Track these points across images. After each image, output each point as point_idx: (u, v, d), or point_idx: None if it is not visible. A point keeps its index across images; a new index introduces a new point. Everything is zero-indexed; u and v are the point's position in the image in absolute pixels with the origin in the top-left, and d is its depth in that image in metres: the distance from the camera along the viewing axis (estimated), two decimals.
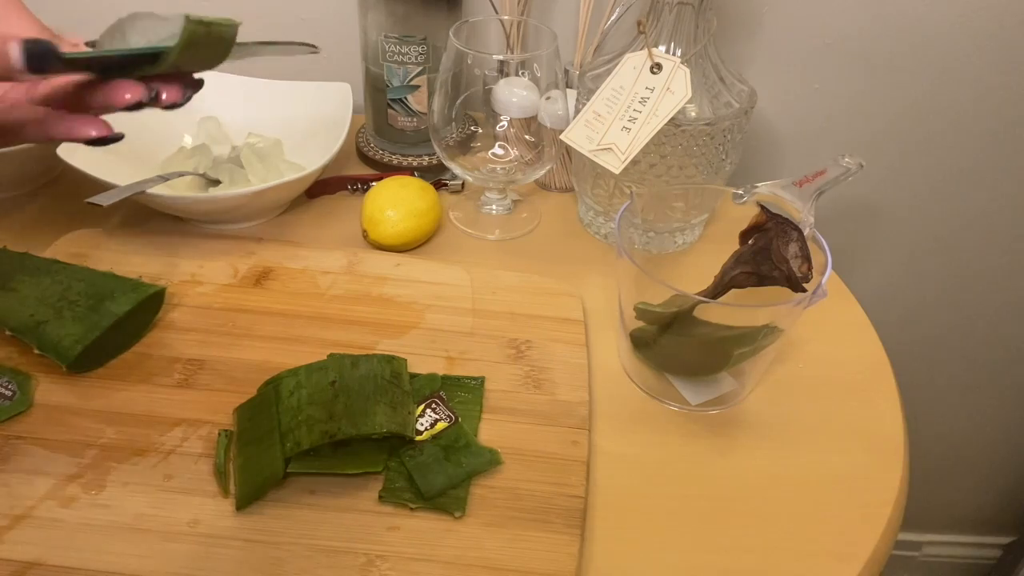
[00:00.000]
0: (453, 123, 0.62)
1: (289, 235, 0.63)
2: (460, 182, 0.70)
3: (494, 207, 0.68)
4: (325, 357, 0.50)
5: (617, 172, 0.55)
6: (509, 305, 0.56)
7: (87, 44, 0.40)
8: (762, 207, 0.47)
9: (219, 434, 0.45)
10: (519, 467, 0.45)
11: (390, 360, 0.48)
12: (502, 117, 0.63)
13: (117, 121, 0.44)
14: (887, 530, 0.45)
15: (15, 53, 0.34)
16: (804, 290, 0.45)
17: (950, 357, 1.05)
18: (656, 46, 0.56)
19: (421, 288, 0.57)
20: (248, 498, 0.42)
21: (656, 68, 0.55)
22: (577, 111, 0.59)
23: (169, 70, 0.37)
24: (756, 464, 0.48)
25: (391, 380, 0.46)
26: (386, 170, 0.71)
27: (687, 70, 0.54)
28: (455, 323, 0.54)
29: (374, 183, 0.66)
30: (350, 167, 0.73)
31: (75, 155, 0.58)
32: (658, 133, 0.54)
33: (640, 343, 0.52)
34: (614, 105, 0.56)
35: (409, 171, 0.71)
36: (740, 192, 0.53)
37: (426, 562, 0.40)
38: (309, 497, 0.43)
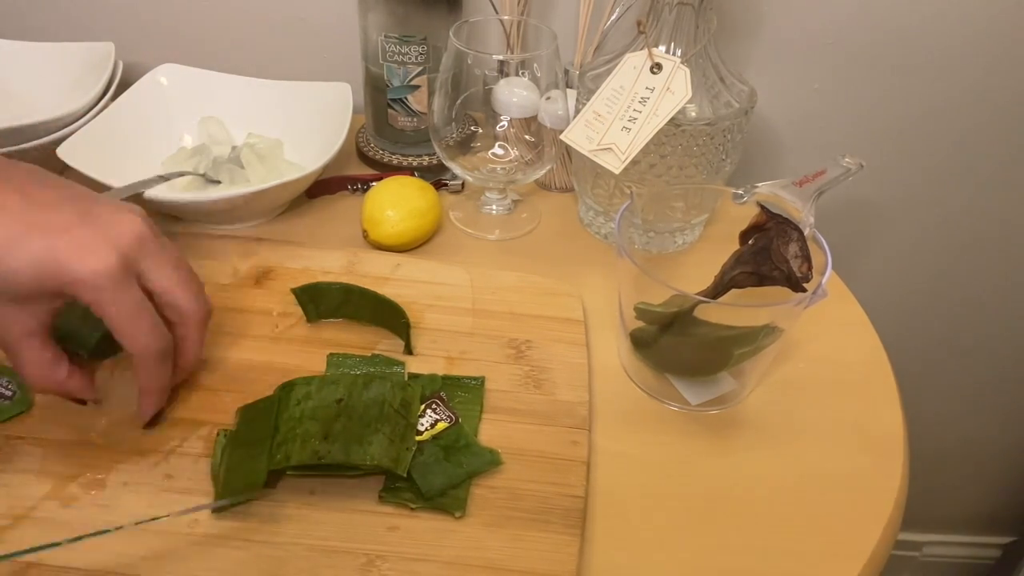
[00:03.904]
0: (453, 123, 0.62)
1: (289, 235, 0.63)
2: (460, 182, 0.70)
3: (494, 207, 0.68)
4: (325, 358, 0.50)
5: (617, 172, 0.55)
6: (509, 305, 0.56)
7: None
8: (762, 207, 0.47)
9: (218, 434, 0.45)
10: (519, 467, 0.45)
11: (404, 387, 0.46)
12: (502, 117, 0.63)
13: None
14: (887, 530, 0.45)
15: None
16: (804, 290, 0.45)
17: (950, 357, 1.05)
18: (656, 46, 0.56)
19: (421, 288, 0.57)
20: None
21: (656, 68, 0.55)
22: (577, 111, 0.59)
23: None
24: (756, 464, 0.48)
25: (398, 410, 0.45)
26: (386, 170, 0.71)
27: (687, 70, 0.54)
28: (455, 323, 0.54)
29: (374, 183, 0.66)
30: (350, 167, 0.73)
31: (75, 156, 0.58)
32: (658, 133, 0.54)
33: (640, 343, 0.52)
34: (614, 105, 0.56)
35: (409, 171, 0.71)
36: (740, 192, 0.53)
37: (426, 562, 0.40)
38: (309, 497, 0.43)
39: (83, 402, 0.46)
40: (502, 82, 0.61)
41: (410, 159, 0.72)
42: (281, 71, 0.75)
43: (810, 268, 0.45)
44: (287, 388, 0.45)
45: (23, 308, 0.39)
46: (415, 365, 0.51)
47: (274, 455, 0.42)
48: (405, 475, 0.43)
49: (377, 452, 0.42)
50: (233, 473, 0.42)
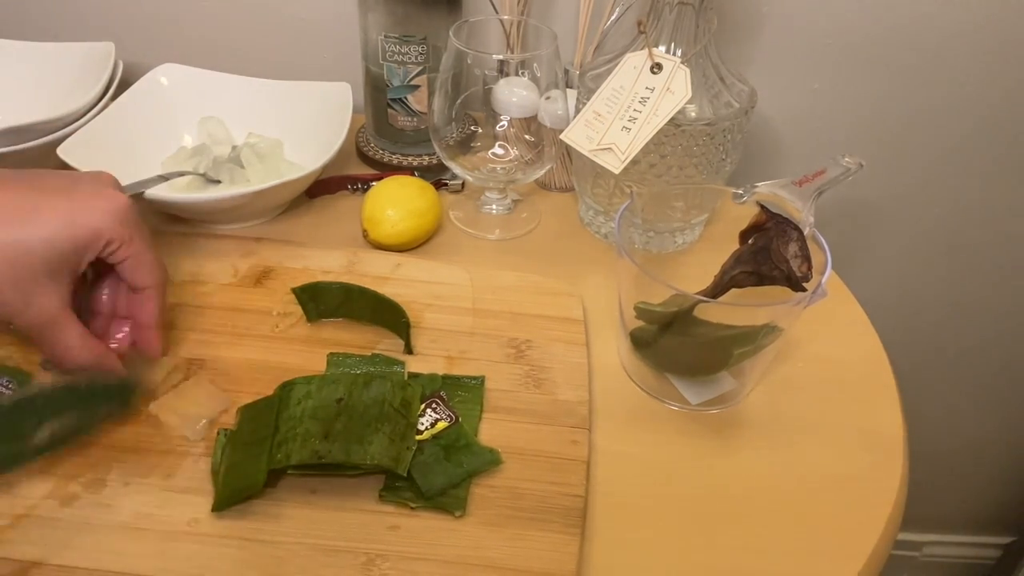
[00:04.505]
0: (453, 123, 0.62)
1: (289, 235, 0.63)
2: (460, 182, 0.70)
3: (494, 207, 0.68)
4: (325, 357, 0.50)
5: (617, 172, 0.55)
6: (509, 305, 0.56)
7: None
8: (762, 207, 0.47)
9: (218, 433, 0.45)
10: (519, 467, 0.45)
11: (404, 387, 0.46)
12: (502, 117, 0.63)
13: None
14: (887, 530, 0.45)
15: None
16: (804, 290, 0.45)
17: (950, 357, 1.05)
18: (656, 46, 0.56)
19: (421, 288, 0.57)
20: (225, 502, 0.41)
21: (656, 68, 0.55)
22: (577, 111, 0.59)
23: None
24: (756, 464, 0.48)
25: (399, 409, 0.45)
26: (386, 170, 0.71)
27: (687, 70, 0.54)
28: (455, 323, 0.54)
29: (374, 183, 0.66)
30: (350, 167, 0.73)
31: (75, 155, 0.58)
32: (658, 133, 0.54)
33: (640, 343, 0.52)
34: (614, 105, 0.56)
35: (409, 171, 0.71)
36: (740, 192, 0.53)
37: (426, 562, 0.40)
38: (309, 497, 0.43)
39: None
40: (502, 82, 0.61)
41: (410, 159, 0.72)
42: (281, 71, 0.75)
43: (810, 268, 0.45)
44: (287, 388, 0.45)
45: (56, 279, 0.40)
46: (415, 365, 0.51)
47: (274, 454, 0.42)
48: (405, 474, 0.43)
49: (377, 451, 0.42)
50: (233, 472, 0.42)
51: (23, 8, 0.79)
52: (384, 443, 0.43)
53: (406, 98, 0.69)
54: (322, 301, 0.53)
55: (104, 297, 0.46)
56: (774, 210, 0.46)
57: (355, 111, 0.66)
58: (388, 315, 0.53)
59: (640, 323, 0.50)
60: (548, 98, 0.60)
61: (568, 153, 0.69)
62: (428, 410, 0.47)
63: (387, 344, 0.53)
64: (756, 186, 0.53)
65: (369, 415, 0.44)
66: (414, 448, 0.44)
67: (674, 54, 0.56)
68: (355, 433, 0.43)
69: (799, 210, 0.51)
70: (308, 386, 0.45)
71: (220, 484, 0.42)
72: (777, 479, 0.47)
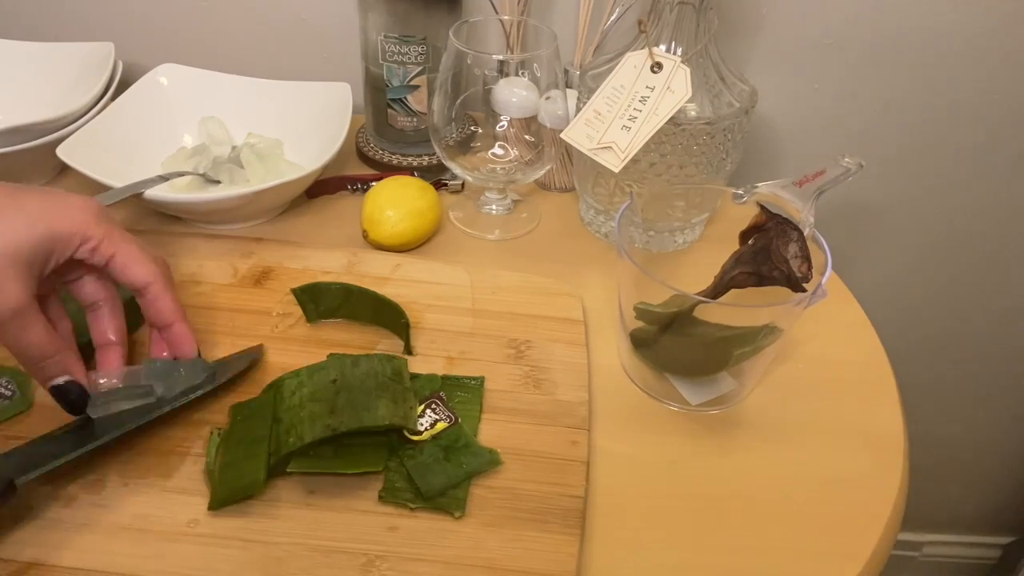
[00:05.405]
0: (453, 123, 0.62)
1: (289, 235, 0.63)
2: (460, 182, 0.70)
3: (494, 207, 0.68)
4: (325, 357, 0.50)
5: (616, 171, 0.55)
6: (509, 305, 0.56)
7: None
8: (762, 207, 0.47)
9: (211, 433, 0.45)
10: (519, 467, 0.45)
11: (390, 359, 0.47)
12: (502, 117, 0.63)
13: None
14: (887, 530, 0.45)
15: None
16: (804, 290, 0.45)
17: (950, 357, 1.05)
18: (657, 45, 0.56)
19: (421, 288, 0.57)
20: (222, 501, 0.41)
21: (656, 67, 0.55)
22: (577, 110, 0.59)
23: None
24: (756, 464, 0.48)
25: (392, 378, 0.46)
26: (386, 170, 0.71)
27: (687, 69, 0.54)
28: (455, 323, 0.54)
29: (374, 183, 0.66)
30: (350, 167, 0.73)
31: (75, 155, 0.58)
32: (658, 132, 0.54)
33: (640, 343, 0.52)
34: (614, 104, 0.56)
35: (409, 171, 0.71)
36: (740, 192, 0.53)
37: (426, 562, 0.40)
38: (309, 497, 0.43)
39: (82, 407, 0.45)
40: (502, 82, 0.61)
41: (410, 159, 0.72)
42: (281, 71, 0.75)
43: (810, 268, 0.45)
44: (275, 386, 0.46)
45: (27, 270, 0.40)
46: (415, 365, 0.51)
47: (284, 440, 0.42)
48: (415, 431, 0.44)
49: (385, 412, 0.43)
50: (229, 471, 0.42)
51: (24, 8, 0.79)
52: (389, 406, 0.44)
53: (406, 98, 0.69)
54: (322, 301, 0.53)
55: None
56: (774, 210, 0.46)
57: (355, 111, 0.66)
58: (388, 315, 0.53)
59: (640, 323, 0.50)
60: (548, 98, 0.60)
61: (568, 153, 0.69)
62: (428, 411, 0.47)
63: (387, 344, 0.53)
64: (756, 186, 0.53)
65: (367, 386, 0.44)
66: (417, 408, 0.45)
67: (674, 53, 0.56)
68: (360, 402, 0.43)
69: (799, 210, 0.51)
70: (297, 378, 0.46)
71: (216, 483, 0.42)
72: (777, 479, 0.47)
